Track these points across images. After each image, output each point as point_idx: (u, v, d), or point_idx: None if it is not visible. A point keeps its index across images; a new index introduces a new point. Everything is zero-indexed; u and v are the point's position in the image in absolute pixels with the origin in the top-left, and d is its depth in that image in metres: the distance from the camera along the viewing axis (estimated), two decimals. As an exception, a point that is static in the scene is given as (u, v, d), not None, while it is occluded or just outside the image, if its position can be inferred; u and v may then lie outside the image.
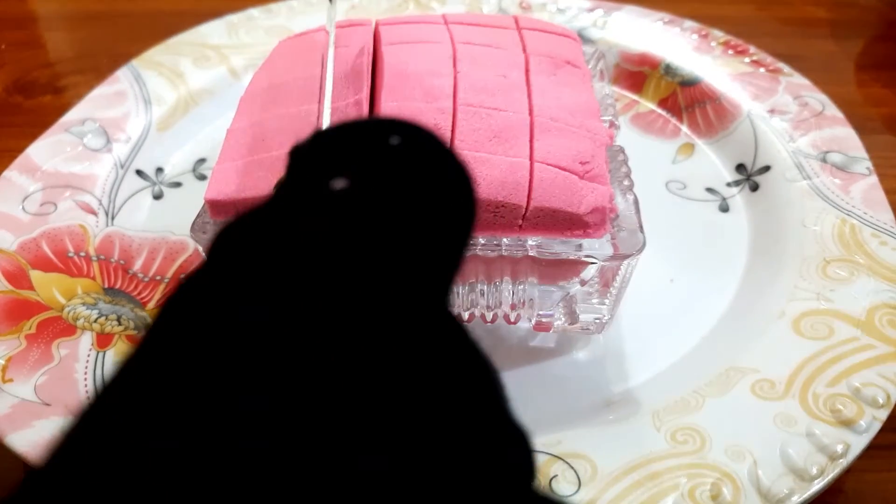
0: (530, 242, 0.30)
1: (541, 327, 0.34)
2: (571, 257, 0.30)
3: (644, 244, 0.30)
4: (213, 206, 0.30)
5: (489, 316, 0.35)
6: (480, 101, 0.31)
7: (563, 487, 0.28)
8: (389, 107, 0.31)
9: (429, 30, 0.36)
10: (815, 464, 0.28)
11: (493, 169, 0.29)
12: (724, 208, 0.43)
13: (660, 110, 0.49)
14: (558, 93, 0.33)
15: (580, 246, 0.30)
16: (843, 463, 0.28)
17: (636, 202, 0.32)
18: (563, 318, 0.34)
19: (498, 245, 0.30)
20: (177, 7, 0.60)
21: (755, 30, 0.56)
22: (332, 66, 0.33)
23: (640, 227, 0.31)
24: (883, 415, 0.30)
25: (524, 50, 0.35)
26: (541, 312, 0.34)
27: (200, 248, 0.31)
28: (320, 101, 0.32)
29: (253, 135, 0.32)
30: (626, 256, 0.30)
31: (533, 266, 0.31)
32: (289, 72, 0.34)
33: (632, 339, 0.36)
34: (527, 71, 0.34)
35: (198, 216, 0.31)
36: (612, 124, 0.35)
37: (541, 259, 0.30)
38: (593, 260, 0.30)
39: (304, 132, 0.30)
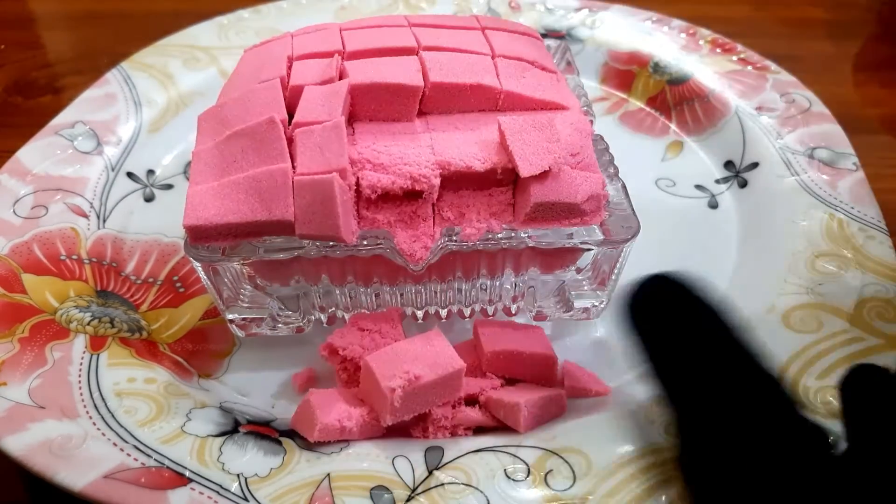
0: (531, 234, 0.30)
1: (540, 317, 0.35)
2: (570, 245, 0.31)
3: (639, 227, 0.31)
4: (193, 231, 0.29)
5: (490, 310, 0.35)
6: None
7: (558, 482, 0.28)
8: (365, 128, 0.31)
9: (394, 35, 0.35)
10: (807, 455, 0.28)
11: None
12: (714, 205, 0.43)
13: (648, 108, 0.50)
14: (533, 94, 0.33)
15: (578, 233, 0.31)
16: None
17: (624, 188, 0.32)
18: (559, 307, 0.34)
19: (499, 240, 0.30)
20: (176, 7, 0.60)
21: (753, 30, 0.57)
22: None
23: (633, 211, 0.31)
24: (872, 406, 0.30)
25: (491, 50, 0.35)
26: (539, 303, 0.34)
27: (196, 265, 0.31)
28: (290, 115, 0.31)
29: (223, 154, 0.30)
30: (624, 241, 0.31)
31: (533, 257, 0.32)
32: (250, 85, 0.33)
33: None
34: (497, 76, 0.33)
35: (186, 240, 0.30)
36: (585, 113, 0.35)
37: (541, 249, 0.31)
38: (590, 246, 0.31)
39: (275, 149, 0.29)
